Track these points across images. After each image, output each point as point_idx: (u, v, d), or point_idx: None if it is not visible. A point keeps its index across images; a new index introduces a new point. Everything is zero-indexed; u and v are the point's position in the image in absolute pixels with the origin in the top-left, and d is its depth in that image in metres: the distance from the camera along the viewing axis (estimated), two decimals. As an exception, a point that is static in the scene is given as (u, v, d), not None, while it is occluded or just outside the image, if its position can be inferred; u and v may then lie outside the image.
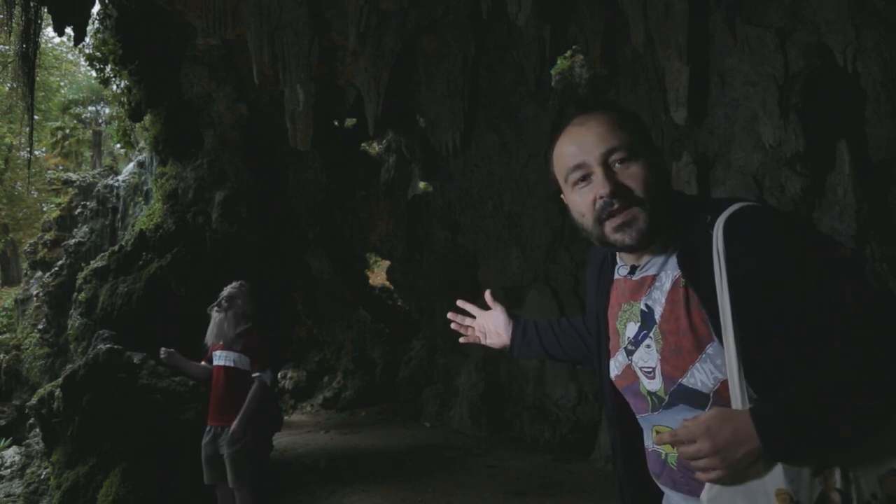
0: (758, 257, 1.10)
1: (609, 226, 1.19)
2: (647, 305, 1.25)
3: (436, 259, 9.94)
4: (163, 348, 4.18)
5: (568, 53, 8.29)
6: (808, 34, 5.20)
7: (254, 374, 4.22)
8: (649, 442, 1.30)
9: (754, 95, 5.43)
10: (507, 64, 7.92)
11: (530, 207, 8.34)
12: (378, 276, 14.91)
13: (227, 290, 4.43)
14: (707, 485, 1.11)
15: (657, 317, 1.22)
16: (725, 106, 5.78)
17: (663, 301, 1.22)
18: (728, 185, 5.59)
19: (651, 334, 1.23)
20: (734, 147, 5.65)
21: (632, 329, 1.28)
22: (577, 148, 1.21)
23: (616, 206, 1.17)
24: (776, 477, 1.05)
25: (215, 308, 4.39)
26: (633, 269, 1.30)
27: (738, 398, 1.09)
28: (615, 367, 1.34)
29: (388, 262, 11.60)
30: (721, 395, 1.13)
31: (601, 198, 1.18)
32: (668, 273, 1.23)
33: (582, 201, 1.22)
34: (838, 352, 1.04)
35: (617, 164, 1.19)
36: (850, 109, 4.99)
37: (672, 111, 5.83)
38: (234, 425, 4.08)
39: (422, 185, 11.48)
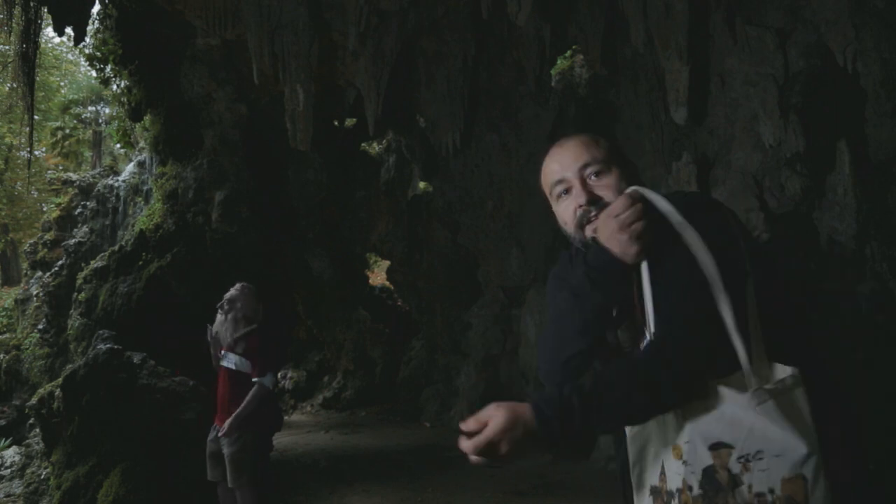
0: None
1: (590, 229, 1.33)
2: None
3: (436, 259, 9.94)
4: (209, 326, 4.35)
5: (568, 53, 8.28)
6: (808, 34, 5.20)
7: (254, 379, 4.21)
8: None
9: (754, 95, 5.43)
10: (507, 64, 7.92)
11: (530, 207, 8.34)
12: (378, 276, 14.91)
13: (229, 293, 4.40)
14: None
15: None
16: (725, 106, 5.78)
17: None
18: (728, 185, 5.59)
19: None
20: (734, 147, 5.65)
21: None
22: (559, 165, 1.39)
23: (593, 213, 1.32)
24: (679, 432, 1.15)
25: (219, 309, 4.41)
26: None
27: None
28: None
29: (388, 262, 11.60)
30: None
31: (580, 206, 1.34)
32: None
33: (565, 211, 1.39)
34: (632, 359, 1.21)
35: (592, 177, 1.35)
36: (850, 109, 4.98)
37: (672, 111, 5.83)
38: (226, 425, 4.11)
39: (422, 185, 11.48)
